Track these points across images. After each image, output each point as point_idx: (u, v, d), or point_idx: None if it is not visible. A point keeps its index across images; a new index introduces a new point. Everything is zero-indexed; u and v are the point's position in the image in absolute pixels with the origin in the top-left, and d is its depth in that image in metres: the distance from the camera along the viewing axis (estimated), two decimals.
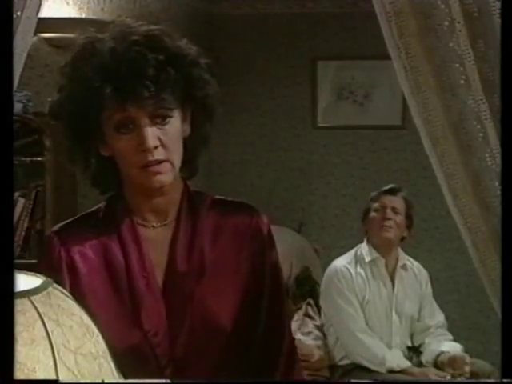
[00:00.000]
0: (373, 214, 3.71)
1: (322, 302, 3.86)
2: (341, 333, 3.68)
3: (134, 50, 1.47)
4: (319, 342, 3.87)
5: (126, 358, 1.52)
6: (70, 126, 1.55)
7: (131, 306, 1.57)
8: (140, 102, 1.47)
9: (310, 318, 4.06)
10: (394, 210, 3.68)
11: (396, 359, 3.59)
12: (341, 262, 3.76)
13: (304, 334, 3.88)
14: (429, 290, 3.86)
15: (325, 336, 3.86)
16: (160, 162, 1.51)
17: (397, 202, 3.71)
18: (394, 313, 3.70)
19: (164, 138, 1.51)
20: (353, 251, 3.82)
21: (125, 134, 1.50)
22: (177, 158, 1.55)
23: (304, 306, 4.12)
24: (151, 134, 1.49)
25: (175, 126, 1.54)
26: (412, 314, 3.75)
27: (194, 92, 1.56)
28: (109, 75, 1.46)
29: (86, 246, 1.59)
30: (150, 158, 1.50)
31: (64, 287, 1.50)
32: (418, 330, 3.77)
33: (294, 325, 3.97)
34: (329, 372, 3.79)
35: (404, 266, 3.77)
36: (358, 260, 3.74)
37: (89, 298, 1.55)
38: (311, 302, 4.19)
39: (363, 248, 3.77)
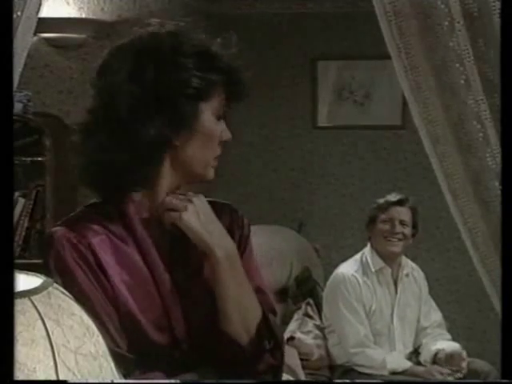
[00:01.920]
0: (380, 225, 3.69)
1: (325, 308, 3.85)
2: (342, 340, 3.68)
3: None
4: (319, 341, 3.87)
5: (154, 356, 1.54)
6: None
7: (157, 301, 1.57)
8: (235, 91, 1.62)
9: (310, 317, 4.06)
10: (402, 222, 3.67)
11: (396, 360, 3.59)
12: (348, 270, 3.73)
13: (304, 332, 3.88)
14: (426, 291, 3.86)
15: (324, 336, 3.87)
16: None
17: (405, 213, 3.70)
18: (395, 319, 3.70)
19: None
20: (358, 257, 3.79)
21: (218, 120, 1.60)
22: None
23: (304, 306, 4.12)
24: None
25: None
26: (414, 319, 3.76)
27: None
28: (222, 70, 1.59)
29: (101, 240, 1.56)
30: (219, 152, 1.63)
31: (81, 282, 1.50)
32: (416, 332, 3.77)
33: (294, 324, 3.98)
34: (329, 371, 3.79)
35: (407, 274, 3.78)
36: (364, 268, 3.72)
37: (116, 291, 1.54)
38: (311, 301, 4.19)
39: (368, 255, 3.74)
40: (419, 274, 3.85)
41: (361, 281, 3.67)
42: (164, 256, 1.60)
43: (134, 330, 1.53)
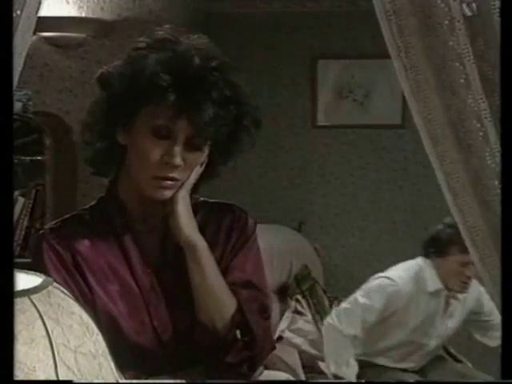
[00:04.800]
0: (456, 265, 3.41)
1: (360, 298, 3.58)
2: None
3: (214, 75, 1.50)
4: (311, 337, 3.87)
5: (136, 359, 1.54)
6: (110, 100, 1.55)
7: (140, 304, 1.58)
8: (193, 121, 1.48)
9: (300, 314, 4.07)
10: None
11: (344, 372, 3.45)
12: (405, 285, 3.47)
13: (293, 330, 3.88)
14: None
15: (319, 330, 3.84)
16: (174, 180, 1.53)
17: None
18: (432, 340, 3.58)
19: (189, 161, 1.53)
20: (415, 268, 3.52)
21: (157, 139, 1.51)
22: (187, 178, 1.56)
23: (293, 304, 4.13)
24: (181, 153, 1.51)
25: (202, 155, 1.56)
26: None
27: (234, 135, 1.57)
28: (179, 83, 1.47)
29: (84, 245, 1.58)
30: (168, 175, 1.51)
31: (63, 285, 1.51)
32: None
33: (284, 322, 3.98)
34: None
35: (463, 298, 3.56)
36: (419, 283, 3.50)
37: (96, 296, 1.55)
38: (299, 298, 4.20)
39: (427, 273, 3.50)
40: (471, 296, 3.61)
41: (410, 297, 3.47)
42: (147, 259, 1.61)
43: (115, 332, 1.53)
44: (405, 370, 3.54)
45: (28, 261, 1.54)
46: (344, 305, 3.56)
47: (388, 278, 3.52)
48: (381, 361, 3.60)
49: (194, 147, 1.53)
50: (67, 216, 1.65)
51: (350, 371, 3.45)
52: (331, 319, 3.53)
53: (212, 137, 1.53)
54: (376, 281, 3.54)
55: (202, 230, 1.61)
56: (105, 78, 1.57)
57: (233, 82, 1.53)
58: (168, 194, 1.54)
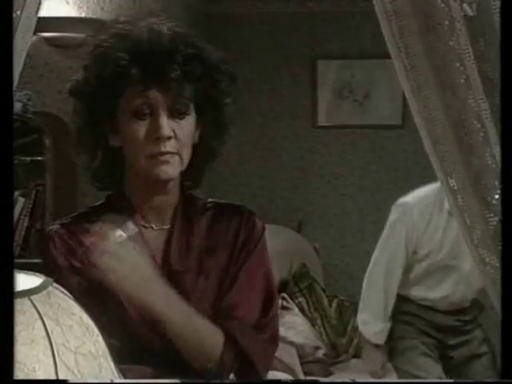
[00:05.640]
0: None
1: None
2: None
3: (168, 39, 1.52)
4: (300, 328, 3.88)
5: (141, 351, 1.54)
6: (88, 107, 1.56)
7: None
8: (164, 86, 1.49)
9: (286, 309, 4.09)
10: None
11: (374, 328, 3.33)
12: (421, 207, 3.30)
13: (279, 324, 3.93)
14: None
15: (312, 323, 3.85)
16: (170, 153, 1.53)
17: None
18: (464, 263, 3.28)
19: (178, 131, 1.53)
20: (433, 190, 3.30)
21: (141, 120, 1.52)
22: (186, 153, 1.56)
23: (280, 301, 4.16)
24: (167, 123, 1.52)
25: (190, 123, 1.56)
26: None
27: (212, 96, 1.57)
28: (138, 56, 1.49)
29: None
30: (162, 149, 1.52)
31: (68, 279, 1.51)
32: None
33: None
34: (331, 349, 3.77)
35: None
36: (436, 204, 3.27)
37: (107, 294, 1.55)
38: (285, 296, 4.22)
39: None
40: None
41: (428, 220, 3.29)
42: (153, 257, 1.61)
43: (125, 326, 1.54)
44: (437, 312, 3.29)
45: (28, 261, 1.55)
46: (376, 252, 3.38)
47: (403, 204, 3.40)
48: (412, 291, 3.38)
49: (177, 117, 1.54)
50: (76, 213, 1.66)
51: (380, 334, 3.30)
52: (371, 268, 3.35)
53: (189, 98, 1.53)
54: (394, 213, 3.41)
55: (211, 230, 1.61)
56: (75, 87, 1.59)
57: (192, 42, 1.54)
58: (171, 170, 1.54)
